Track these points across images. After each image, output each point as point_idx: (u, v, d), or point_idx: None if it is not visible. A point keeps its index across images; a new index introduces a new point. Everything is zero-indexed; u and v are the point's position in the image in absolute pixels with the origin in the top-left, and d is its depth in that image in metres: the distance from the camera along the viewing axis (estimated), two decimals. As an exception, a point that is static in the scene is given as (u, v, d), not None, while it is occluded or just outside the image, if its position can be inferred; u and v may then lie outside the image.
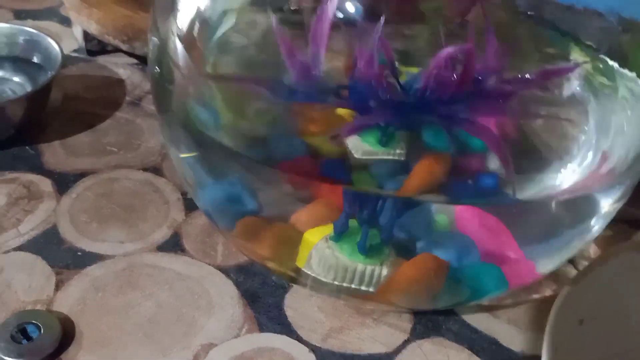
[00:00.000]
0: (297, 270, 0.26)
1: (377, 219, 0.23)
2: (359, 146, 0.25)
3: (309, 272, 0.25)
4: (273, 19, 0.25)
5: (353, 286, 0.25)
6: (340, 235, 0.24)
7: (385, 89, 0.23)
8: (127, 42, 0.42)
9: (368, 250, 0.24)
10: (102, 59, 0.44)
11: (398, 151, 0.25)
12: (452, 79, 0.23)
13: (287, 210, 0.26)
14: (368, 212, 0.24)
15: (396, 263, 0.25)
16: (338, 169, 0.25)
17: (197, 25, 0.26)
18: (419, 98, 0.23)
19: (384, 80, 0.23)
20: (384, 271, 0.25)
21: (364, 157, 0.25)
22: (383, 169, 0.25)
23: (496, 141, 0.24)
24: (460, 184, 0.26)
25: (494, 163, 0.27)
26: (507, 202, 0.25)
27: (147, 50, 0.42)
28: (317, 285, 0.27)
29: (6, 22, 0.47)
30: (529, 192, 0.26)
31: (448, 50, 0.22)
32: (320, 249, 0.25)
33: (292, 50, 0.24)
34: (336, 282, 0.25)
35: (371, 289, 0.25)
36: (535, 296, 0.30)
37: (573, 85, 0.26)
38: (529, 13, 0.28)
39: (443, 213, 0.26)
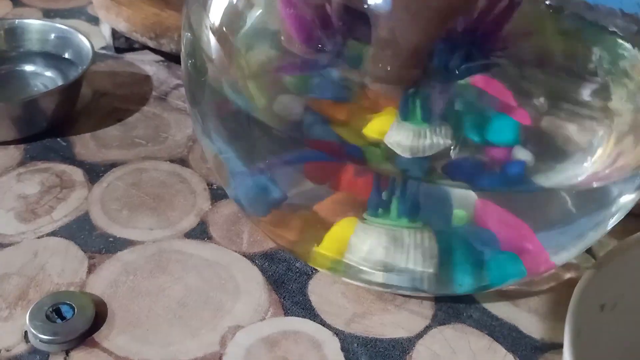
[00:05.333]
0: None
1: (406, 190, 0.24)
2: (402, 127, 0.25)
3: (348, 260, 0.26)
4: None
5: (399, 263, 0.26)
6: (376, 209, 0.25)
7: None
8: (155, 39, 0.43)
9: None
10: (129, 56, 0.46)
11: (443, 131, 0.25)
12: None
13: (314, 199, 0.27)
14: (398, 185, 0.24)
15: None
16: (356, 151, 0.26)
17: (228, 17, 0.27)
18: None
19: None
20: (425, 237, 0.25)
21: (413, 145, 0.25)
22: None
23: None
24: (486, 172, 0.27)
25: (521, 154, 0.27)
26: (532, 189, 0.25)
27: (173, 47, 0.43)
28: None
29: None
30: (550, 181, 0.26)
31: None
32: (359, 229, 0.25)
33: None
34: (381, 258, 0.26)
35: (410, 265, 0.26)
36: (554, 285, 0.31)
37: (593, 82, 0.26)
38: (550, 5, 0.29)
39: (462, 208, 0.27)
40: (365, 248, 0.26)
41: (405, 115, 0.26)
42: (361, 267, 0.27)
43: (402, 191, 0.25)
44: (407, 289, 0.28)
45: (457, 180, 0.26)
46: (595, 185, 0.26)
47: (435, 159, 0.25)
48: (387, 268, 0.26)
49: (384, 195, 0.25)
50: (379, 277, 0.27)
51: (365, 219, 0.26)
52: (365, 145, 0.27)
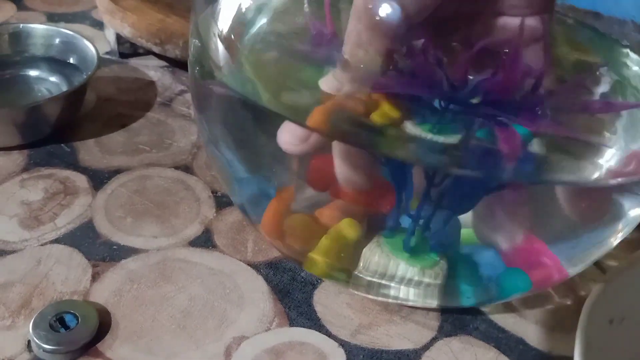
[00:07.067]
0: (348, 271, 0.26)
1: (422, 216, 0.24)
2: (412, 131, 0.25)
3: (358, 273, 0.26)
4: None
5: (393, 284, 0.26)
6: (392, 231, 0.25)
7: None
8: (159, 45, 0.43)
9: (413, 251, 0.25)
10: (134, 62, 0.46)
11: (452, 139, 0.25)
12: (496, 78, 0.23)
13: (317, 206, 0.26)
14: (418, 209, 0.24)
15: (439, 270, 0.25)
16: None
17: (237, 25, 0.27)
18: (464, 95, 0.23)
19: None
20: (426, 277, 0.25)
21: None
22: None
23: None
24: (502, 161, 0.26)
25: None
26: (549, 182, 0.24)
27: (178, 53, 0.43)
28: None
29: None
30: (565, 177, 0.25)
31: (486, 40, 0.22)
32: (371, 246, 0.25)
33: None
34: (375, 279, 0.26)
35: (411, 290, 0.26)
36: (561, 297, 0.30)
37: (604, 87, 0.26)
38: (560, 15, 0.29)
39: (470, 227, 0.26)
40: (372, 265, 0.26)
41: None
42: (363, 277, 0.27)
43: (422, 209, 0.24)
44: (411, 302, 0.28)
45: (473, 169, 0.25)
46: (610, 182, 0.25)
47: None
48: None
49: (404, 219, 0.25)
50: (384, 289, 0.27)
51: (377, 240, 0.25)
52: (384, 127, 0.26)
